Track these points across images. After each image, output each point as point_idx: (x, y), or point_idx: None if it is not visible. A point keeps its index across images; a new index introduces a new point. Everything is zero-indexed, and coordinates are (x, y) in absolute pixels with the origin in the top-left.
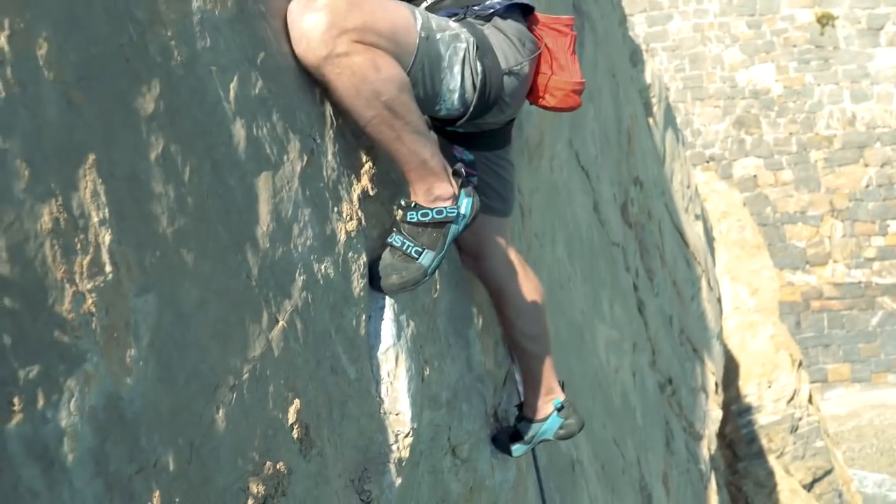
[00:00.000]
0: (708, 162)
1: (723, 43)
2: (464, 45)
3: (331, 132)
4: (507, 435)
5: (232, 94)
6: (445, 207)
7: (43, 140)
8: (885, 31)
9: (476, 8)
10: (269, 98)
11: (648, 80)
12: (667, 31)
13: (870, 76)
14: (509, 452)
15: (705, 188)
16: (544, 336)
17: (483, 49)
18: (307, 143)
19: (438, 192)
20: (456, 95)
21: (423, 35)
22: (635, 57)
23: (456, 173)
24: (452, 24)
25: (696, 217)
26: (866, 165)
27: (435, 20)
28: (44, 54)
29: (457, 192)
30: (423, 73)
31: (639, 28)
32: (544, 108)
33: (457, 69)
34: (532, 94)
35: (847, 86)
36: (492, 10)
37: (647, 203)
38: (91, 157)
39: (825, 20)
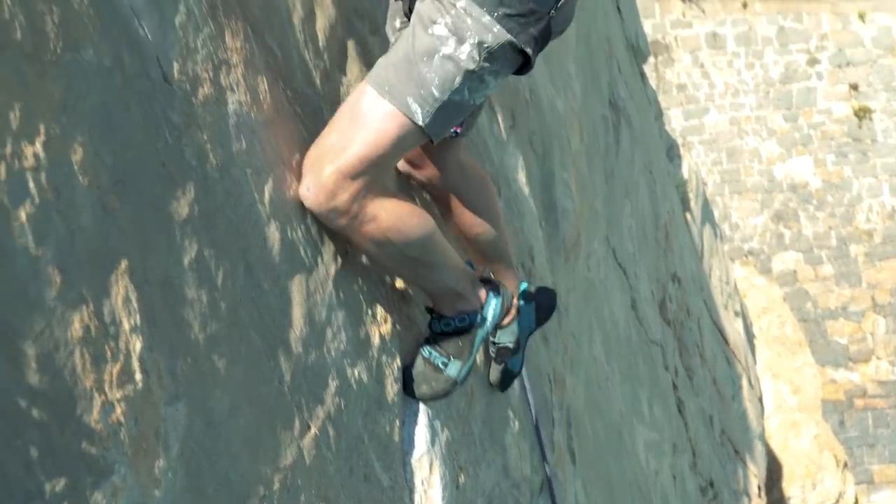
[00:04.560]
0: (746, 256)
1: (760, 136)
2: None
3: None
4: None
5: (267, 196)
6: (468, 314)
7: (76, 246)
8: None
9: None
10: None
11: (685, 174)
12: (703, 124)
13: None
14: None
15: (744, 283)
16: (502, 237)
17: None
18: (341, 243)
19: (462, 307)
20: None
21: (426, 122)
22: (672, 152)
23: (484, 280)
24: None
25: (736, 314)
26: None
27: (431, 78)
28: (79, 159)
29: (482, 302)
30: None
31: (675, 121)
32: None
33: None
34: None
35: (886, 179)
36: None
37: (685, 300)
38: (124, 263)
39: (862, 113)
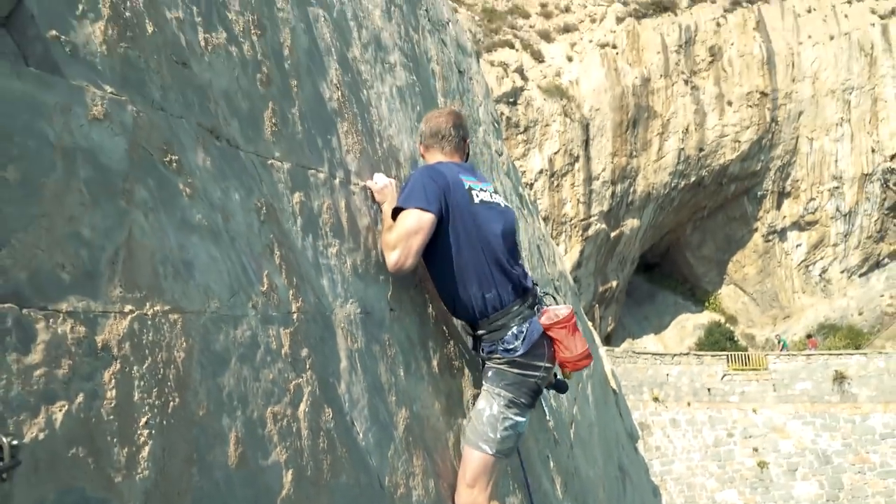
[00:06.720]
0: None
1: (704, 476)
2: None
3: None
4: None
5: None
6: None
7: None
8: (799, 471)
9: (504, 346)
10: None
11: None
12: (672, 469)
13: (794, 498)
14: None
15: None
16: None
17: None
18: None
19: None
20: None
21: (494, 450)
22: (656, 492)
23: None
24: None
25: None
26: None
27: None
28: None
29: None
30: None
31: (656, 468)
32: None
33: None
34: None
35: None
36: (518, 353)
37: None
38: None
39: (762, 465)
